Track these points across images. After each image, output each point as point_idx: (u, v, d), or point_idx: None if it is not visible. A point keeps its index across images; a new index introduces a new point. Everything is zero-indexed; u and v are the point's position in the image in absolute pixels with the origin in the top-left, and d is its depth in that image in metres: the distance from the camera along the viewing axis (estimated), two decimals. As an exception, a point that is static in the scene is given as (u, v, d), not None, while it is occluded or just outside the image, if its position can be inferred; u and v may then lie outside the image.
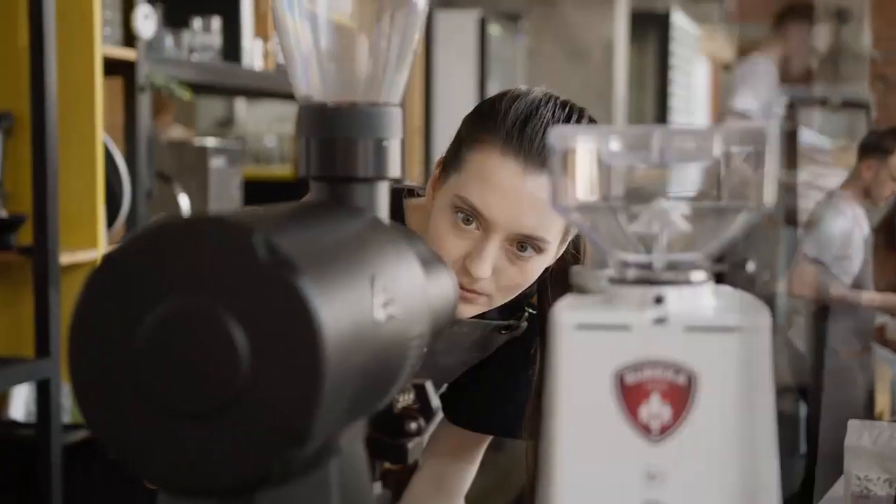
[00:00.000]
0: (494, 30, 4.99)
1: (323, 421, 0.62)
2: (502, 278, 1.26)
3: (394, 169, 0.83)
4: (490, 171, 1.22)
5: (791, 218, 4.77)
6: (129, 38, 2.67)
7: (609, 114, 5.57)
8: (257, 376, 0.60)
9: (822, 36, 4.50)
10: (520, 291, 1.30)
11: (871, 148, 4.36)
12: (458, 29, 4.97)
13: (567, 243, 1.34)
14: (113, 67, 2.65)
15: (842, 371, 4.32)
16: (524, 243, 1.25)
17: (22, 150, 2.43)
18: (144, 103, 2.70)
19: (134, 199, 2.68)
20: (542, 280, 1.35)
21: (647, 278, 0.71)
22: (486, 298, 1.28)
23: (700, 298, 0.70)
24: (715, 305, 0.70)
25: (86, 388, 0.63)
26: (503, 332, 1.41)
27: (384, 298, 0.70)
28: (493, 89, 5.82)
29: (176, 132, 3.89)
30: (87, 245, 2.51)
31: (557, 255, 1.33)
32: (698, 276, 0.71)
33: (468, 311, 1.29)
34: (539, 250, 1.25)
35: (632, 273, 0.71)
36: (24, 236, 2.41)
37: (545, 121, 1.24)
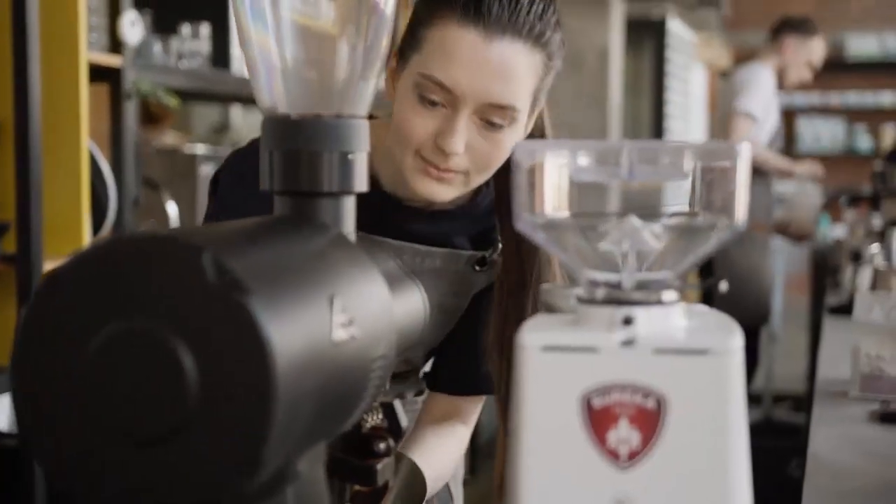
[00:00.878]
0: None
1: (276, 446, 0.60)
2: (476, 154, 1.24)
3: (360, 183, 0.81)
4: (450, 44, 1.20)
5: (782, 229, 4.80)
6: (116, 45, 2.65)
7: (604, 120, 5.55)
8: (206, 401, 0.58)
9: (819, 48, 4.52)
10: (494, 169, 1.27)
11: (791, 28, 4.47)
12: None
13: (535, 116, 1.32)
14: (99, 74, 2.62)
15: (749, 244, 4.44)
16: (493, 118, 1.22)
17: (6, 156, 2.41)
18: (130, 110, 2.68)
19: (120, 207, 2.66)
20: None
21: (617, 298, 0.68)
22: (462, 177, 1.26)
23: (670, 319, 0.68)
24: (686, 326, 0.68)
25: (28, 411, 0.60)
26: (477, 267, 1.39)
27: (344, 318, 0.67)
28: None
29: (170, 138, 3.87)
30: (72, 253, 2.49)
31: (528, 129, 1.31)
32: (669, 295, 0.69)
33: (446, 192, 1.27)
34: (510, 120, 1.23)
35: (601, 292, 0.69)
36: (8, 244, 2.39)
37: None
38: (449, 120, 1.22)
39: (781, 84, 4.54)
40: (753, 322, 4.54)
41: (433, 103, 1.22)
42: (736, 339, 0.66)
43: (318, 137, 0.79)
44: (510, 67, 1.20)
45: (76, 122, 2.46)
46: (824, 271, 4.88)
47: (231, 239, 0.65)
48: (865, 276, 3.01)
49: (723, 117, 4.45)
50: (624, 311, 0.67)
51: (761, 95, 4.36)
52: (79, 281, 0.60)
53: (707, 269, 4.40)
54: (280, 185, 0.79)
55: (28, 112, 2.34)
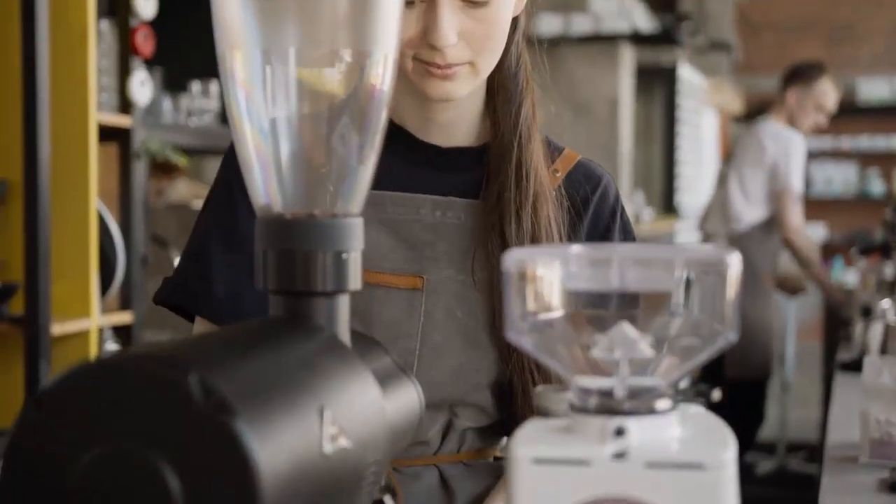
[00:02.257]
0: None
1: (263, 567, 0.59)
2: (472, 38, 1.17)
3: (354, 281, 0.80)
4: None
5: (779, 282, 4.80)
6: (126, 105, 2.67)
7: (615, 168, 5.55)
8: (192, 524, 0.58)
9: (826, 90, 4.52)
10: (500, 47, 1.20)
11: (796, 77, 4.50)
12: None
13: None
14: (109, 133, 2.64)
15: (761, 295, 4.43)
16: None
17: (15, 217, 2.42)
18: (140, 169, 2.69)
19: (128, 266, 2.66)
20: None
21: (609, 407, 0.68)
22: (468, 67, 1.19)
23: (664, 429, 0.67)
24: (679, 436, 0.67)
25: (14, 533, 0.60)
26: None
27: (334, 430, 0.67)
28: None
29: (182, 188, 3.89)
30: (80, 314, 2.49)
31: None
32: (663, 404, 0.68)
33: (458, 87, 1.19)
34: None
35: (592, 401, 0.68)
36: (16, 306, 2.39)
37: None
38: (430, 13, 1.15)
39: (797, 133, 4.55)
40: (759, 375, 4.51)
41: (409, 3, 1.15)
42: (730, 451, 0.65)
43: (313, 238, 0.79)
44: None
45: (85, 183, 2.48)
46: (836, 321, 4.85)
47: (219, 353, 0.65)
48: (877, 332, 2.98)
49: (771, 194, 4.43)
50: (616, 421, 0.66)
51: (802, 167, 4.41)
52: (64, 403, 0.60)
53: None
54: (274, 284, 0.79)
55: (37, 173, 2.35)
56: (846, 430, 2.14)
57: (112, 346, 2.74)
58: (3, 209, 2.45)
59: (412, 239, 1.24)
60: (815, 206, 10.07)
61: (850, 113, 9.86)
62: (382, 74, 0.81)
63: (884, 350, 2.92)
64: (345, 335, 0.80)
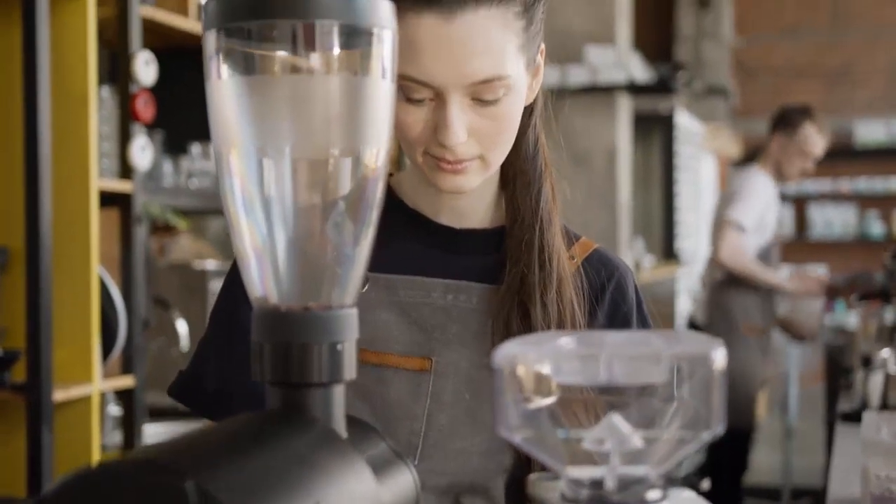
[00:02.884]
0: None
1: None
2: (482, 135, 1.16)
3: (349, 371, 0.82)
4: (412, 36, 1.12)
5: (784, 325, 4.80)
6: (126, 170, 2.69)
7: (614, 217, 5.58)
8: None
9: (809, 135, 4.51)
10: (511, 140, 1.19)
11: (780, 124, 4.50)
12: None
13: (540, 74, 1.25)
14: (110, 198, 2.67)
15: (739, 346, 4.40)
16: (484, 95, 1.14)
17: (17, 284, 2.44)
18: (140, 234, 2.71)
19: (130, 330, 2.67)
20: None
21: (600, 499, 0.69)
22: (478, 161, 1.18)
23: (654, 520, 0.68)
24: (670, 528, 0.68)
25: None
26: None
27: (330, 526, 0.68)
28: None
29: (185, 245, 3.91)
30: (82, 380, 2.50)
31: (533, 88, 1.24)
32: (653, 494, 0.69)
33: (469, 181, 1.19)
34: (505, 89, 1.14)
35: (584, 493, 0.70)
36: (18, 373, 2.41)
37: None
38: (439, 112, 1.15)
39: (784, 179, 4.56)
40: (742, 425, 4.48)
41: (419, 101, 1.15)
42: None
43: (308, 330, 0.80)
44: (479, 39, 1.12)
45: (86, 249, 2.50)
46: (838, 367, 4.85)
47: (215, 455, 0.66)
48: (877, 381, 2.99)
49: (714, 224, 4.47)
50: (607, 514, 0.68)
51: (754, 204, 4.37)
52: (64, 509, 0.61)
53: None
54: (270, 375, 0.81)
55: (39, 240, 2.38)
56: (848, 483, 2.14)
57: (114, 410, 2.75)
58: (5, 277, 2.47)
59: (422, 321, 1.24)
60: (815, 249, 10.10)
61: (848, 155, 9.91)
62: (375, 168, 0.83)
63: (884, 400, 2.93)
64: (340, 425, 0.81)
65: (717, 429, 0.69)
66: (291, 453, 0.72)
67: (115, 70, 2.77)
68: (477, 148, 1.17)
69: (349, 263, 0.83)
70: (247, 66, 0.81)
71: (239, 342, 1.16)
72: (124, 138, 2.68)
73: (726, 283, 4.48)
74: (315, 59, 0.80)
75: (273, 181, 0.81)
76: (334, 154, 0.81)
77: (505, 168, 1.28)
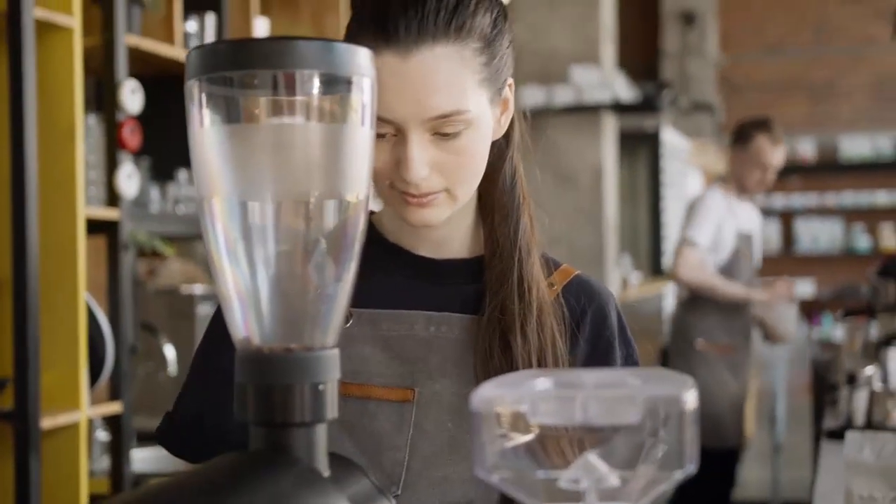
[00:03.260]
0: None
1: None
2: (446, 169, 1.17)
3: (331, 410, 0.83)
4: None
5: (762, 328, 4.76)
6: (113, 197, 2.71)
7: (600, 235, 5.60)
8: None
9: (763, 147, 4.44)
10: (478, 174, 1.20)
11: (735, 138, 4.52)
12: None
13: (510, 107, 1.24)
14: (97, 226, 2.68)
15: (699, 365, 4.35)
16: (444, 129, 1.15)
17: (4, 312, 2.45)
18: (127, 261, 2.72)
19: (118, 356, 2.68)
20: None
21: (577, 538, 0.71)
22: (444, 195, 1.19)
23: (630, 560, 0.70)
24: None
25: None
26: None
27: (312, 567, 0.70)
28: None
29: (175, 268, 3.91)
30: (70, 407, 2.51)
31: (502, 122, 1.24)
32: (629, 533, 0.71)
33: (436, 214, 1.20)
34: (465, 124, 1.15)
35: (561, 532, 0.71)
36: (5, 400, 2.41)
37: None
38: (400, 147, 1.15)
39: (747, 192, 4.50)
40: (723, 443, 4.46)
41: (382, 136, 1.15)
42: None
43: (290, 371, 0.82)
44: (437, 75, 1.14)
45: (74, 276, 2.50)
46: (824, 382, 4.87)
47: (199, 495, 0.68)
48: (861, 399, 3.01)
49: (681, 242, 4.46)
50: (583, 553, 0.69)
51: (708, 221, 4.36)
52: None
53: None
54: (253, 416, 0.82)
55: (26, 269, 2.39)
56: (831, 502, 2.16)
57: (102, 435, 2.75)
58: (-7, 305, 2.48)
59: (405, 354, 1.25)
60: (802, 263, 10.14)
61: (834, 170, 9.98)
62: (356, 211, 0.85)
63: (869, 418, 2.94)
64: (323, 463, 0.82)
65: (689, 468, 0.71)
66: (274, 493, 0.74)
67: (102, 98, 2.79)
68: (441, 182, 1.18)
69: (330, 304, 0.85)
70: (229, 115, 0.83)
71: (221, 387, 1.17)
72: (111, 166, 2.69)
73: (687, 302, 4.48)
74: (296, 108, 0.82)
75: (255, 226, 0.83)
76: (315, 199, 0.82)
77: (483, 198, 1.29)
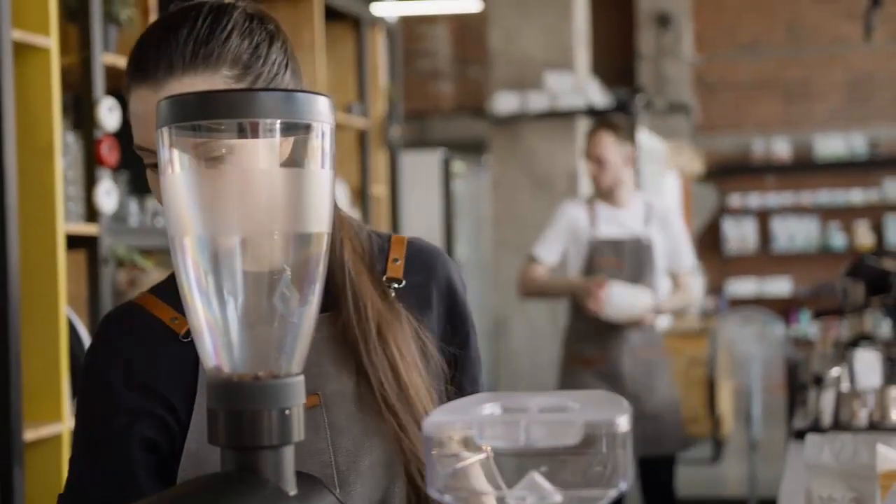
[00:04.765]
0: (458, 166, 5.11)
1: None
2: None
3: (298, 433, 0.89)
4: (134, 107, 1.21)
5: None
6: (92, 213, 2.75)
7: (576, 240, 5.67)
8: None
9: (587, 142, 4.23)
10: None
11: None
12: (423, 167, 5.11)
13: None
14: (76, 241, 2.73)
15: (571, 380, 4.16)
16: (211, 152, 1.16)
17: (-14, 328, 2.50)
18: (107, 275, 2.77)
19: (99, 368, 2.73)
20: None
21: (521, 552, 0.77)
22: None
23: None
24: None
25: None
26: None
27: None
28: (459, 224, 5.95)
29: (155, 277, 3.95)
30: (52, 419, 2.56)
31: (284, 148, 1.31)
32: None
33: None
34: (229, 149, 1.14)
35: (508, 546, 0.77)
36: (-12, 414, 2.46)
37: (164, 25, 1.21)
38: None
39: (600, 192, 4.23)
40: (646, 452, 4.29)
41: (156, 166, 1.14)
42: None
43: (258, 398, 0.88)
44: None
45: (54, 291, 2.55)
46: (797, 380, 4.94)
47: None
48: (829, 399, 3.07)
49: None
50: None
51: (552, 233, 4.16)
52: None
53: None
54: (224, 440, 0.88)
55: (7, 284, 2.43)
56: (796, 503, 2.22)
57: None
58: (-25, 320, 2.52)
59: None
60: (779, 261, 10.25)
61: (809, 169, 10.09)
62: (318, 246, 0.91)
63: (836, 418, 3.01)
64: (290, 483, 0.89)
65: (622, 485, 0.77)
66: (243, 516, 0.80)
67: (80, 116, 2.84)
68: None
69: (295, 333, 0.91)
70: (197, 160, 0.89)
71: (111, 452, 1.19)
72: (89, 182, 2.74)
73: (566, 322, 4.33)
74: (259, 153, 0.88)
75: (223, 262, 0.89)
76: (280, 235, 0.89)
77: None
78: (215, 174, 0.91)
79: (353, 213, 4.11)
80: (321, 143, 0.89)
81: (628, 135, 4.19)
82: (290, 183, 0.89)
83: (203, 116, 0.87)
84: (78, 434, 1.29)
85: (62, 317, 2.56)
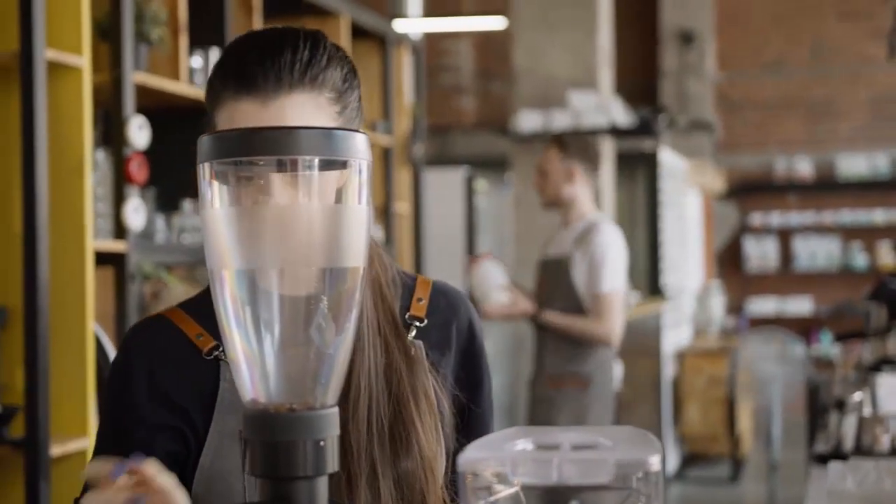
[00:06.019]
0: (481, 185, 5.12)
1: None
2: None
3: (332, 464, 0.91)
4: (232, 120, 1.21)
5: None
6: (121, 230, 2.78)
7: (598, 257, 5.66)
8: None
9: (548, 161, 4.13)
10: None
11: None
12: (447, 185, 5.13)
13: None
14: (104, 258, 2.76)
15: (536, 401, 4.03)
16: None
17: (14, 342, 2.52)
18: (134, 291, 2.80)
19: (125, 383, 2.76)
20: None
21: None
22: None
23: None
24: None
25: None
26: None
27: None
28: (481, 241, 5.97)
29: (179, 291, 3.97)
30: (79, 434, 2.58)
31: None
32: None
33: None
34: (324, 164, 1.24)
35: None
36: (16, 429, 2.49)
37: (264, 42, 1.23)
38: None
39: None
40: None
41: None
42: None
43: (294, 429, 0.89)
44: (294, 120, 1.20)
45: (82, 307, 2.58)
46: (818, 401, 4.92)
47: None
48: (851, 424, 3.06)
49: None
50: None
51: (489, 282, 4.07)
52: None
53: None
54: (259, 470, 0.90)
55: (37, 300, 2.47)
56: (819, 530, 2.21)
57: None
58: (4, 335, 2.55)
59: None
60: (800, 280, 10.21)
61: (831, 188, 10.05)
62: (353, 280, 0.93)
63: (858, 444, 3.00)
64: (325, 516, 0.90)
65: (655, 523, 0.78)
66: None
67: (110, 134, 2.87)
68: None
69: (331, 365, 0.92)
70: (238, 196, 0.91)
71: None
72: (118, 200, 2.77)
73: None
74: (298, 189, 0.90)
75: (261, 295, 0.91)
76: (317, 270, 0.90)
77: None
78: (254, 210, 0.93)
79: (376, 231, 4.13)
80: (359, 179, 0.91)
81: (578, 154, 4.09)
82: (328, 218, 0.91)
83: (244, 153, 0.89)
84: (99, 440, 1.31)
85: (90, 333, 2.59)
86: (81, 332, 2.58)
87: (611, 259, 3.97)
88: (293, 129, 0.89)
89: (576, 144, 4.16)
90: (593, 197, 4.16)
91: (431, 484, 1.25)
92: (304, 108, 1.21)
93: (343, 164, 0.91)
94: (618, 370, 4.21)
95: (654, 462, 0.77)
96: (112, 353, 2.70)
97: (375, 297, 1.31)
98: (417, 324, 1.33)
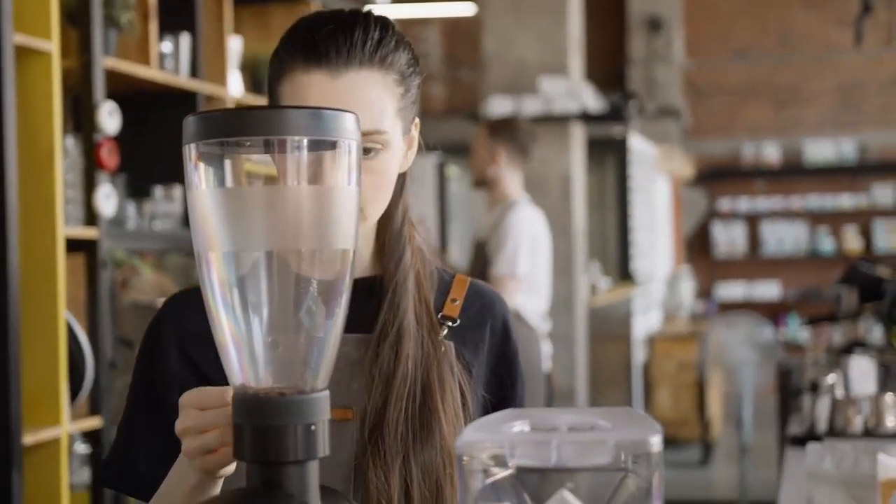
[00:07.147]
0: (453, 171, 5.11)
1: None
2: (362, 187, 1.20)
3: (322, 448, 0.90)
4: (300, 90, 1.22)
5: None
6: (92, 217, 2.75)
7: (569, 244, 5.67)
8: None
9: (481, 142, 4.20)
10: (387, 197, 1.27)
11: None
12: (418, 171, 5.11)
13: (415, 146, 1.32)
14: (76, 244, 2.72)
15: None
16: (365, 143, 1.19)
17: (-14, 331, 2.49)
18: (106, 278, 2.77)
19: (97, 371, 2.73)
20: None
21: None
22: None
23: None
24: None
25: None
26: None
27: None
28: (453, 228, 5.96)
29: (148, 278, 3.94)
30: (50, 423, 2.56)
31: (408, 157, 1.31)
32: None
33: None
34: (382, 144, 1.23)
35: (536, 563, 0.78)
36: (-13, 418, 2.45)
37: (335, 19, 1.25)
38: None
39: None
40: None
41: None
42: None
43: (284, 413, 0.88)
44: (361, 94, 1.22)
45: (53, 294, 2.55)
46: (788, 385, 4.95)
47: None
48: (824, 406, 3.08)
49: None
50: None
51: None
52: None
53: None
54: (250, 455, 0.89)
55: (7, 288, 2.43)
56: (795, 511, 2.22)
57: (82, 449, 2.80)
58: (-26, 324, 2.51)
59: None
60: (768, 265, 10.28)
61: (798, 174, 10.12)
62: (343, 262, 0.91)
63: (831, 425, 3.02)
64: (315, 498, 0.89)
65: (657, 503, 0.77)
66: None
67: (80, 120, 2.83)
68: None
69: (321, 348, 0.91)
70: (224, 177, 0.89)
71: (166, 417, 1.17)
72: (89, 186, 2.74)
73: None
74: (286, 170, 0.88)
75: (249, 277, 0.89)
76: (305, 252, 0.89)
77: (379, 227, 1.33)
78: (241, 191, 0.91)
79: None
80: (348, 159, 0.89)
81: (504, 137, 4.14)
82: (317, 199, 0.89)
83: (231, 133, 0.87)
84: (133, 403, 1.32)
85: (62, 320, 2.56)
86: (53, 319, 2.55)
87: (512, 242, 3.98)
88: (281, 109, 0.87)
89: (504, 128, 4.21)
90: (521, 181, 4.18)
91: (451, 476, 1.24)
92: (372, 85, 1.23)
93: (331, 145, 0.89)
94: (546, 349, 4.18)
95: (655, 443, 0.76)
96: (84, 340, 2.67)
97: (415, 290, 1.31)
98: (450, 324, 1.32)
